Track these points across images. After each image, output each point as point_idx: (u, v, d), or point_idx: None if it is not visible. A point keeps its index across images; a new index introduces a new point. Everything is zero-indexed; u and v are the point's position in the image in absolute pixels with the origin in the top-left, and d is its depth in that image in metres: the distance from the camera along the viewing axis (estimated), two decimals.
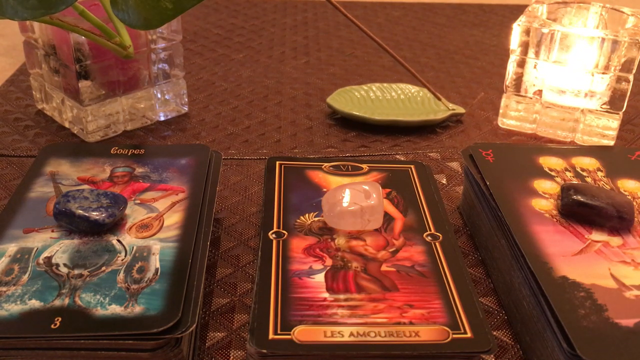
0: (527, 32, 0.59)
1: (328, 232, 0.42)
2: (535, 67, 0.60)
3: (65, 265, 0.37)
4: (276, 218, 0.43)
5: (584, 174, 0.47)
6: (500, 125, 0.64)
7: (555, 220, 0.42)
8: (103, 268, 0.37)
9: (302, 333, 0.34)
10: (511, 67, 0.61)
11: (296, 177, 0.47)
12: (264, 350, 0.32)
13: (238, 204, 0.51)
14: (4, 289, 0.35)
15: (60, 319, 0.33)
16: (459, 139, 0.62)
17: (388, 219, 0.43)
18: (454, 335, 0.34)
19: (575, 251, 0.39)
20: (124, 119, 0.60)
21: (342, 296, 0.36)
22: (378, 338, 0.33)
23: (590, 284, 0.36)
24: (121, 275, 0.36)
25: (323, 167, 0.48)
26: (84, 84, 0.56)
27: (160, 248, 0.38)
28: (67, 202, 0.39)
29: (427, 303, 0.36)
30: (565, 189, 0.43)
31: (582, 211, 0.42)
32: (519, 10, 0.93)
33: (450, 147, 0.60)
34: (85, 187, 0.44)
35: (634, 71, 0.57)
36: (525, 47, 0.59)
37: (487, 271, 0.45)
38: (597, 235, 0.41)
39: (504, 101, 0.63)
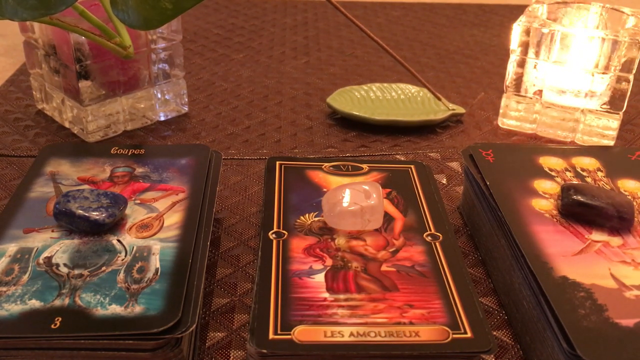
0: (527, 32, 0.59)
1: (328, 232, 0.42)
2: (535, 67, 0.60)
3: (65, 265, 0.37)
4: (276, 218, 0.43)
5: (584, 174, 0.47)
6: (500, 125, 0.64)
7: (555, 220, 0.42)
8: (103, 268, 0.37)
9: (302, 333, 0.34)
10: (511, 67, 0.61)
11: (296, 177, 0.47)
12: (264, 350, 0.32)
13: (238, 204, 0.51)
14: (4, 289, 0.35)
15: (60, 319, 0.33)
16: (459, 139, 0.62)
17: (388, 219, 0.43)
18: (454, 335, 0.34)
19: (575, 251, 0.39)
20: (124, 119, 0.60)
21: (342, 296, 0.36)
22: (378, 338, 0.33)
23: (590, 284, 0.36)
24: (121, 275, 0.36)
25: (323, 167, 0.48)
26: (84, 84, 0.56)
27: (160, 248, 0.38)
28: (67, 202, 0.39)
29: (427, 303, 0.36)
30: (565, 189, 0.43)
31: (582, 211, 0.42)
32: (519, 10, 0.93)
33: (450, 147, 0.60)
34: (86, 187, 0.44)
35: (634, 71, 0.57)
36: (525, 47, 0.59)
37: (487, 271, 0.45)
38: (597, 235, 0.41)
39: (504, 101, 0.63)
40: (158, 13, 0.41)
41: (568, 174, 0.47)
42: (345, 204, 0.41)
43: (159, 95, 0.62)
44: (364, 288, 0.37)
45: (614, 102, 0.58)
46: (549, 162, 0.48)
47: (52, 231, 0.40)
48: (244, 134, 0.62)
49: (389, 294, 0.37)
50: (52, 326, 0.32)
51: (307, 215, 0.43)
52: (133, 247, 0.38)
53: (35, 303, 0.34)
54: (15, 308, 0.33)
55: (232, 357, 0.37)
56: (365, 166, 0.49)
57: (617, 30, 0.57)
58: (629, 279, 0.37)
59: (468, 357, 0.34)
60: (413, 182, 0.47)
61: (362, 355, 0.33)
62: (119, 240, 0.39)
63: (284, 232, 0.41)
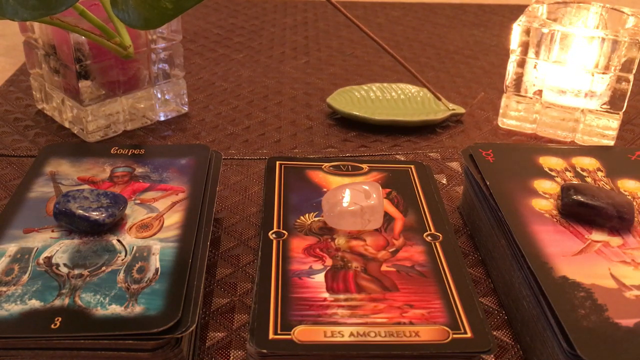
0: (527, 32, 0.59)
1: (328, 232, 0.42)
2: (535, 67, 0.60)
3: (65, 265, 0.37)
4: (276, 218, 0.43)
5: (584, 174, 0.47)
6: (500, 125, 0.64)
7: (555, 220, 0.42)
8: (103, 268, 0.37)
9: (302, 333, 0.34)
10: (511, 67, 0.61)
11: (296, 177, 0.47)
12: (264, 350, 0.32)
13: (238, 204, 0.51)
14: (4, 289, 0.35)
15: (60, 319, 0.33)
16: (459, 139, 0.62)
17: (388, 219, 0.43)
18: (454, 335, 0.34)
19: (575, 251, 0.39)
20: (124, 119, 0.60)
21: (342, 296, 0.36)
22: (378, 338, 0.33)
23: (590, 284, 0.36)
24: (121, 275, 0.36)
25: (323, 167, 0.48)
26: (84, 84, 0.56)
27: (160, 248, 0.38)
28: (67, 202, 0.39)
29: (427, 303, 0.36)
30: (565, 189, 0.43)
31: (582, 211, 0.42)
32: (519, 10, 0.93)
33: (450, 147, 0.60)
34: (85, 187, 0.44)
35: (634, 71, 0.57)
36: (525, 47, 0.59)
37: (487, 271, 0.45)
38: (597, 235, 0.41)
39: (504, 101, 0.63)
40: (158, 13, 0.41)
41: (568, 174, 0.47)
42: (345, 204, 0.41)
43: (159, 95, 0.62)
44: (364, 288, 0.37)
45: (614, 102, 0.58)
46: (549, 162, 0.48)
47: (52, 231, 0.40)
48: (244, 134, 0.62)
49: (389, 294, 0.37)
50: (52, 326, 0.32)
51: (307, 215, 0.43)
52: (133, 247, 0.38)
53: (35, 303, 0.34)
54: (15, 308, 0.33)
55: (232, 357, 0.37)
56: (365, 166, 0.49)
57: (617, 30, 0.57)
58: (629, 279, 0.37)
59: (468, 357, 0.34)
60: (413, 182, 0.47)
61: (362, 355, 0.33)
62: (119, 240, 0.39)
63: (284, 232, 0.41)
